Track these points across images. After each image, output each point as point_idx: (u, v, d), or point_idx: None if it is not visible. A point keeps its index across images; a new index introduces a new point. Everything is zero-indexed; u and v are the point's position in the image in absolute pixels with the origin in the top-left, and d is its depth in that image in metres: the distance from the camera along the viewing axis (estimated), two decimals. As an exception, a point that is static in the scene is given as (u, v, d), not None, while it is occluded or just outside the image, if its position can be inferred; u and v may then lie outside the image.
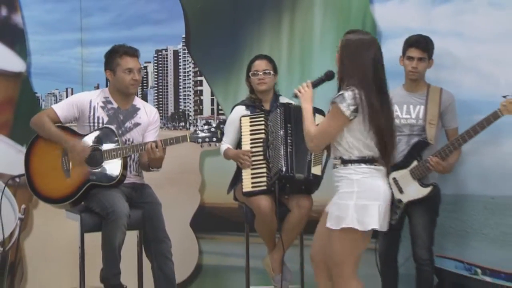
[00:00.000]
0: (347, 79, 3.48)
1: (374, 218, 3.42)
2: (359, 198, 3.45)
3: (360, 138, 3.46)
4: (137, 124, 4.44)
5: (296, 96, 3.71)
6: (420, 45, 4.32)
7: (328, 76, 3.72)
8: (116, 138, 4.26)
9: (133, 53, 4.40)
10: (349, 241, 3.49)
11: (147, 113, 4.50)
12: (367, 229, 3.42)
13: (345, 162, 3.51)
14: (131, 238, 4.32)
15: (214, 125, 4.71)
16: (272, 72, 4.55)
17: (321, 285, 3.74)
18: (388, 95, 3.52)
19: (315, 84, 3.73)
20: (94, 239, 4.24)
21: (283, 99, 4.59)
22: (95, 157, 4.25)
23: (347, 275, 3.55)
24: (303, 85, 3.70)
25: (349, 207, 3.44)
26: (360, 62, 3.46)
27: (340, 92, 3.46)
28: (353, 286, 3.56)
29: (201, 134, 4.23)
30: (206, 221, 5.36)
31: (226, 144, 4.49)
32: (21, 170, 4.39)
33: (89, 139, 4.29)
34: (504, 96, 4.11)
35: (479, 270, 4.53)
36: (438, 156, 4.22)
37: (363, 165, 3.47)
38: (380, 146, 3.46)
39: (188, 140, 4.22)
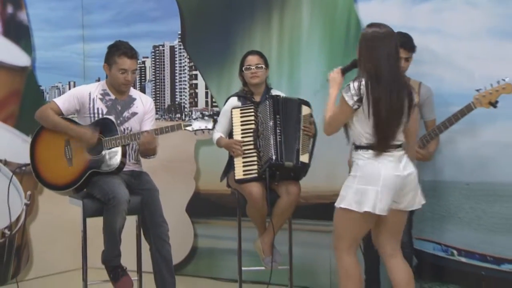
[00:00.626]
0: (361, 70, 3.53)
1: (370, 202, 3.47)
2: (359, 183, 3.52)
3: (365, 126, 3.52)
4: (134, 114, 4.43)
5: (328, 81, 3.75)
6: (407, 46, 4.31)
7: (353, 64, 3.70)
8: (115, 128, 4.26)
9: (132, 54, 4.35)
10: (346, 220, 3.58)
11: (143, 102, 4.49)
12: (361, 210, 3.49)
13: (356, 147, 3.59)
14: (131, 222, 4.31)
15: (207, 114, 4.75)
16: (263, 66, 4.54)
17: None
18: (397, 86, 3.50)
19: (344, 70, 3.73)
20: (96, 223, 4.24)
21: (274, 92, 4.59)
22: (96, 146, 4.24)
23: (342, 249, 3.64)
24: (334, 71, 3.73)
25: (351, 189, 3.52)
26: (372, 54, 3.49)
27: (349, 83, 3.51)
28: (345, 261, 3.64)
29: (195, 123, 4.21)
30: (201, 207, 5.40)
31: (219, 133, 4.52)
32: (27, 158, 4.37)
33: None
34: (477, 90, 4.15)
35: (455, 251, 4.57)
36: (417, 145, 4.28)
37: (370, 151, 3.53)
38: (377, 136, 3.50)
39: (182, 127, 4.21)
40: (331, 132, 3.70)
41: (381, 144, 3.52)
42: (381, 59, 3.47)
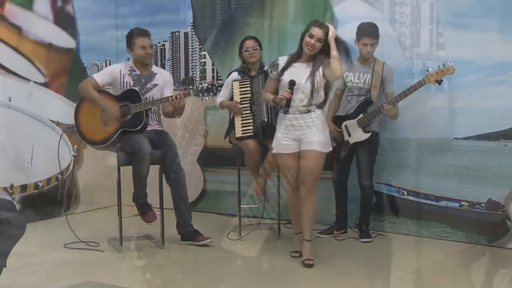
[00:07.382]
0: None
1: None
2: None
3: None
4: (155, 85, 4.34)
5: None
6: (373, 34, 4.26)
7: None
8: (140, 96, 4.18)
9: (145, 33, 4.29)
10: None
11: (162, 76, 4.40)
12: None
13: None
14: (155, 170, 4.29)
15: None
16: (258, 48, 4.45)
17: None
18: None
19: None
20: (127, 171, 4.22)
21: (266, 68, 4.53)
22: (125, 110, 4.18)
23: (289, 187, 3.89)
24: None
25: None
26: None
27: None
28: (289, 197, 3.90)
29: (201, 89, 4.14)
30: (209, 158, 5.38)
31: (222, 97, 4.45)
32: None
33: (121, 98, 4.22)
34: (427, 70, 4.13)
35: (405, 192, 4.58)
36: (390, 103, 4.20)
37: None
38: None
39: (192, 94, 4.14)
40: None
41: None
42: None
